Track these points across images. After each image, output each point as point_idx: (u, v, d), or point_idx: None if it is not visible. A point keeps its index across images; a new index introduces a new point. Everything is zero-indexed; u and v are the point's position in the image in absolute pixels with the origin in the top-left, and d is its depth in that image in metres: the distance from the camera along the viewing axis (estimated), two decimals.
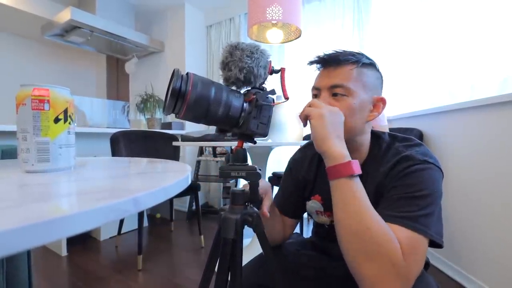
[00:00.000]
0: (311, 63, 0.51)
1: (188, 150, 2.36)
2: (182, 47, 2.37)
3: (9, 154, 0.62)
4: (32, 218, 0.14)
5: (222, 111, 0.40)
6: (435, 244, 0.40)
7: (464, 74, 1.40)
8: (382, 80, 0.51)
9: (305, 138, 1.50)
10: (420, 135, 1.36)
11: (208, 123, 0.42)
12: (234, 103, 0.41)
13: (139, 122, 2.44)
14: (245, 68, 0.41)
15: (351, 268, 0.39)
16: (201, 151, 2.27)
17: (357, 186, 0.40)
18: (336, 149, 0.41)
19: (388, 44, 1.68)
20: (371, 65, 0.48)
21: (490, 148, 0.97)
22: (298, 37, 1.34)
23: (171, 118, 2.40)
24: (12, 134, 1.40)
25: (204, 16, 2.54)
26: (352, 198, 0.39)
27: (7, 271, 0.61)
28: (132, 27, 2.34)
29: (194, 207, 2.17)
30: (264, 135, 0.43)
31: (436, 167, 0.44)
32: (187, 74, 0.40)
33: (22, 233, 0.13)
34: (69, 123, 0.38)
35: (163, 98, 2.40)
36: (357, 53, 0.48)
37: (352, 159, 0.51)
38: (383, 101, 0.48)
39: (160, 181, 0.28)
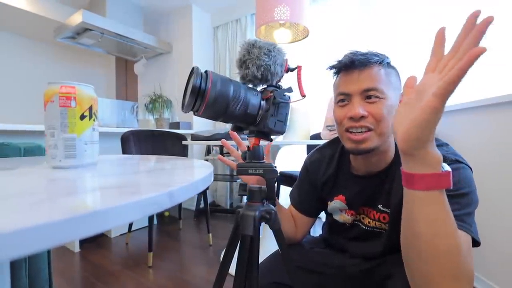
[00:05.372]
0: (334, 67, 0.48)
1: (195, 149, 2.38)
2: (189, 48, 2.40)
3: (30, 152, 0.64)
4: (73, 211, 0.14)
5: (240, 109, 0.41)
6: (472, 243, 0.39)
7: (471, 72, 1.36)
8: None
9: (312, 137, 1.49)
10: None
11: (226, 120, 0.43)
12: (252, 101, 0.42)
13: (148, 122, 2.48)
14: (262, 66, 0.42)
15: None
16: (208, 151, 2.29)
17: (446, 199, 0.32)
18: (436, 155, 0.31)
19: (394, 41, 1.66)
20: (390, 63, 0.48)
21: (501, 149, 0.94)
22: (306, 37, 1.33)
23: (179, 117, 2.42)
24: (30, 133, 1.44)
25: (211, 18, 2.56)
26: (447, 215, 0.32)
27: (29, 272, 0.63)
28: (141, 29, 2.38)
29: (201, 206, 2.19)
30: (281, 132, 0.44)
31: (468, 167, 0.43)
32: (205, 72, 0.40)
33: (68, 225, 0.13)
34: (94, 120, 0.39)
35: (171, 99, 2.44)
36: (377, 53, 0.47)
37: (381, 160, 0.49)
38: None
39: (188, 176, 0.28)
